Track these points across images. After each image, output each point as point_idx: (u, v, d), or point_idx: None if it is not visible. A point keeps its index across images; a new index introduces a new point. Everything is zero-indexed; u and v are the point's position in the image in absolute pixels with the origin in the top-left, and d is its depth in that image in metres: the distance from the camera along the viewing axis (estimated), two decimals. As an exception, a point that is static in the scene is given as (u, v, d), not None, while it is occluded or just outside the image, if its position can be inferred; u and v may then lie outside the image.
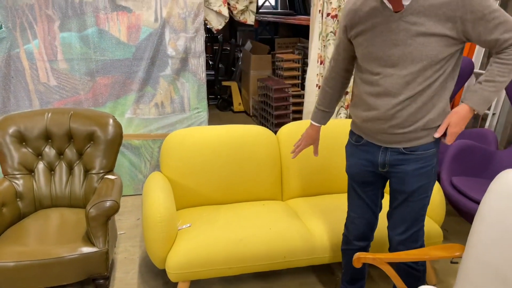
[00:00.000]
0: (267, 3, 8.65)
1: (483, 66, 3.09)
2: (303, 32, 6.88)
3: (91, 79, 3.05)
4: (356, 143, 1.70)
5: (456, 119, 1.47)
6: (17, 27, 2.89)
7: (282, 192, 2.47)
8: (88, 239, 1.97)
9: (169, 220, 1.91)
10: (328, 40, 3.90)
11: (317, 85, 3.99)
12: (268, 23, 7.89)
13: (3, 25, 2.86)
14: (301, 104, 4.42)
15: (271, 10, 8.13)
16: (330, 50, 3.91)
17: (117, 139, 2.33)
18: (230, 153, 2.33)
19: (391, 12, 1.43)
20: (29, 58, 2.95)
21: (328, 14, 3.81)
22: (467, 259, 1.32)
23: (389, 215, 1.75)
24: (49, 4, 2.89)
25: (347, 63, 1.70)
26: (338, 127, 2.54)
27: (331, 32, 3.87)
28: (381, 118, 1.53)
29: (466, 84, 3.07)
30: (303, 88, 4.64)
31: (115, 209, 1.96)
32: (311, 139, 1.90)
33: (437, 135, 1.52)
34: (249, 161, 2.35)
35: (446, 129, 1.50)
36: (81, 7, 2.93)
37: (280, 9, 8.59)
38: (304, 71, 4.95)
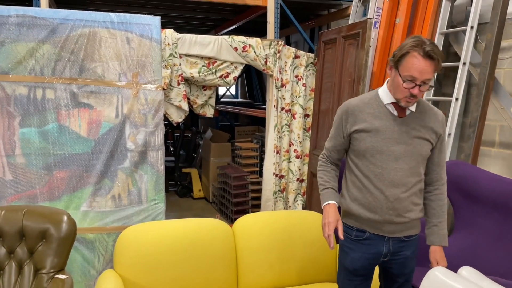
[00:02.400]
0: (228, 93, 9.12)
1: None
2: (262, 120, 7.25)
3: (47, 173, 3.07)
4: (358, 238, 1.84)
5: (440, 256, 1.79)
6: (-24, 122, 2.93)
7: (237, 286, 2.47)
8: None
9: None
10: (283, 131, 4.16)
11: (274, 173, 4.16)
12: (228, 111, 8.27)
13: (-39, 121, 2.90)
14: (259, 191, 4.54)
15: (231, 100, 8.56)
16: (285, 141, 4.15)
17: (71, 237, 2.31)
18: (186, 248, 2.36)
19: (396, 117, 1.77)
20: (-15, 152, 2.96)
21: (282, 108, 4.11)
22: None
23: None
24: (10, 101, 2.98)
25: (341, 154, 1.92)
26: (292, 219, 2.64)
27: (285, 124, 4.14)
28: (388, 208, 1.74)
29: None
30: (261, 175, 4.79)
31: (63, 313, 1.91)
32: (337, 216, 1.86)
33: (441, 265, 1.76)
34: (204, 256, 2.38)
35: None
36: (43, 104, 3.04)
37: (240, 98, 9.08)
38: (262, 159, 5.16)
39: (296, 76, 4.09)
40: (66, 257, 2.32)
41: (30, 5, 3.44)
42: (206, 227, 2.46)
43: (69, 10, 3.06)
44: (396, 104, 1.76)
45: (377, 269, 1.98)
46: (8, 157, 3.00)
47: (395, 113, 1.77)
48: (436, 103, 3.35)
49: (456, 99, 3.02)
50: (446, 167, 2.69)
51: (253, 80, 8.15)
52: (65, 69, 3.07)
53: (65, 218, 2.33)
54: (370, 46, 3.56)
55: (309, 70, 4.12)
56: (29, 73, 3.01)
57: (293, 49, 3.97)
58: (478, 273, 1.42)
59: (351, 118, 1.80)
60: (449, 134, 3.03)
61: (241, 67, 3.95)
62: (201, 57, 3.79)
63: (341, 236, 1.82)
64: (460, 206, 2.61)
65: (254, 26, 5.45)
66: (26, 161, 3.03)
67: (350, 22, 3.98)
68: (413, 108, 1.78)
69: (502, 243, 2.35)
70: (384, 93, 1.79)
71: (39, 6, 3.46)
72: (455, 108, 3.03)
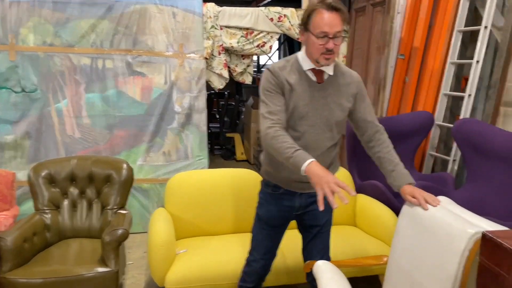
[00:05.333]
0: (269, 61, 9.39)
1: (446, 119, 3.56)
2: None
3: (109, 132, 3.60)
4: (274, 192, 1.94)
5: (412, 190, 1.75)
6: (50, 89, 3.49)
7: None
8: (103, 262, 2.40)
9: (168, 245, 2.35)
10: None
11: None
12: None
13: (38, 88, 3.46)
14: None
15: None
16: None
17: (129, 180, 2.82)
18: (223, 191, 2.79)
19: (315, 83, 1.79)
20: (58, 115, 3.52)
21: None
22: (390, 262, 1.73)
23: (306, 249, 2.06)
24: (77, 70, 3.51)
25: (285, 117, 1.80)
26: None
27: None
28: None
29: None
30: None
31: (125, 236, 2.41)
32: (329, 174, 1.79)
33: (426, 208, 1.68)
34: (238, 198, 2.80)
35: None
36: (103, 73, 3.54)
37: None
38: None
39: (329, 44, 4.33)
40: (126, 197, 2.83)
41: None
42: (241, 175, 2.87)
43: (123, -10, 3.50)
44: (315, 70, 1.78)
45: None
46: (76, 118, 3.55)
47: (314, 78, 1.79)
48: (460, 66, 3.51)
49: (477, 61, 3.17)
50: (459, 124, 2.94)
51: (295, 50, 8.37)
52: (121, 42, 3.54)
53: (125, 165, 2.83)
54: (398, 13, 3.74)
55: (341, 37, 4.34)
56: (91, 45, 3.51)
57: (325, 18, 4.20)
58: (451, 201, 1.70)
59: (282, 76, 1.77)
60: (469, 95, 3.21)
61: (277, 36, 4.26)
62: (240, 28, 4.13)
63: (352, 193, 1.64)
64: (471, 160, 2.83)
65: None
66: (91, 122, 3.57)
67: (381, -11, 4.13)
68: (330, 71, 1.79)
69: (507, 192, 2.58)
70: (303, 60, 1.79)
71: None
72: (476, 70, 3.18)
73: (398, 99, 3.81)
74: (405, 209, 1.73)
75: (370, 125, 1.92)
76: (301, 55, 1.82)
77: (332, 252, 2.47)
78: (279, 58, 9.75)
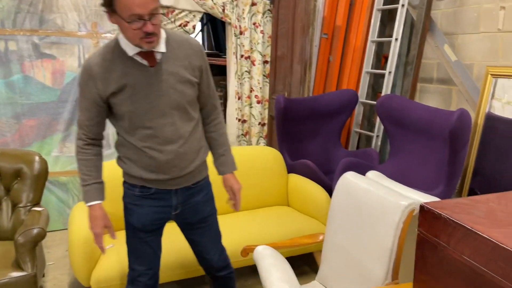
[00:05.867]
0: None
1: (369, 96, 3.67)
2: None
3: (17, 122, 3.23)
4: (143, 194, 1.66)
5: (234, 181, 1.80)
6: None
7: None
8: (17, 265, 2.15)
9: (92, 241, 2.15)
10: (244, 78, 4.37)
11: (236, 118, 4.42)
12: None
13: None
14: (224, 136, 4.80)
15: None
16: (246, 87, 4.38)
17: (43, 174, 2.54)
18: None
19: (148, 68, 1.51)
20: (-47, 104, 3.09)
21: (242, 56, 4.29)
22: (326, 239, 1.73)
23: (199, 247, 1.83)
24: (-26, 53, 3.09)
25: (102, 126, 1.64)
26: (253, 153, 2.94)
27: (246, 71, 4.35)
28: (170, 165, 1.58)
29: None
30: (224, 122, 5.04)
31: (41, 235, 2.17)
32: (105, 220, 1.66)
33: (238, 208, 1.82)
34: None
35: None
36: (7, 56, 3.15)
37: (207, 50, 9.12)
38: (225, 106, 5.38)
39: (254, 24, 4.26)
40: (41, 193, 2.55)
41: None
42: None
43: (23, -39, 3.11)
44: (142, 53, 1.50)
45: None
46: (-24, 107, 3.14)
47: (145, 62, 1.51)
48: (380, 44, 3.62)
49: (396, 39, 3.29)
50: (381, 101, 3.03)
51: (219, 31, 8.21)
52: (25, 21, 3.17)
53: (37, 158, 2.55)
54: (321, -8, 3.75)
55: (266, 17, 4.28)
56: (-10, 25, 3.10)
57: (249, -3, 4.12)
58: (381, 175, 1.73)
59: (100, 82, 1.50)
60: (390, 72, 3.32)
61: (200, 15, 4.09)
62: (160, 7, 3.89)
63: (113, 237, 1.68)
64: (394, 134, 2.95)
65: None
66: (-6, 111, 3.18)
67: (303, -32, 4.12)
68: (162, 48, 1.52)
69: (426, 163, 2.72)
70: (125, 44, 1.50)
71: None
72: (395, 48, 3.30)
73: (323, 78, 3.86)
74: (339, 186, 1.73)
75: (210, 101, 1.74)
76: (122, 38, 1.51)
77: (268, 233, 2.45)
78: (203, 40, 9.53)
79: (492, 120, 2.58)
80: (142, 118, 1.53)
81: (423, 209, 1.03)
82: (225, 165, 1.78)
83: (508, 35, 2.78)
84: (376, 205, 1.51)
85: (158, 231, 1.76)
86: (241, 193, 1.82)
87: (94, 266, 2.17)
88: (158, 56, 1.52)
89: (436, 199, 1.45)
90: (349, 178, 1.68)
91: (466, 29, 3.07)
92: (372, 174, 1.71)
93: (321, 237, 1.80)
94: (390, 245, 1.40)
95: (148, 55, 1.51)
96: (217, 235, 1.88)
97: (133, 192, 1.67)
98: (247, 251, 1.77)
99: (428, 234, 1.02)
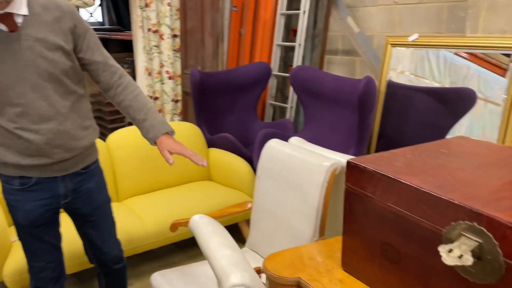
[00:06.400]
0: (92, 19, 8.54)
1: (281, 69, 3.77)
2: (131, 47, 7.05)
3: None
4: (24, 186, 1.47)
5: (172, 143, 1.53)
6: None
7: (117, 191, 2.68)
8: None
9: (2, 234, 1.97)
10: (153, 53, 4.21)
11: (147, 95, 4.26)
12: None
13: None
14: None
15: (98, 27, 8.07)
16: (156, 62, 4.22)
17: None
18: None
19: (8, 33, 1.34)
20: None
21: (149, 30, 4.12)
22: (254, 206, 1.78)
23: (95, 241, 1.68)
24: None
25: None
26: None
27: (154, 45, 4.19)
28: (51, 146, 1.42)
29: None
30: (136, 100, 4.84)
31: None
32: None
33: (203, 162, 1.49)
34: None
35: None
36: None
37: (108, 25, 8.57)
38: (135, 84, 5.16)
39: (160, -4, 4.09)
40: None
41: None
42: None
43: None
44: None
45: None
46: None
47: (4, 27, 1.33)
48: (289, 17, 3.71)
49: (304, 12, 3.40)
50: (294, 72, 3.14)
51: (120, 5, 7.76)
52: None
53: None
54: (228, -37, 3.71)
55: (172, -11, 4.14)
56: None
57: (154, -33, 3.93)
58: (303, 140, 1.82)
59: None
60: (299, 45, 3.44)
61: (101, -14, 3.82)
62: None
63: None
64: (307, 104, 3.08)
65: None
66: None
67: None
68: (23, 10, 1.33)
69: (337, 129, 2.90)
70: None
71: None
72: (303, 21, 3.41)
73: (236, 52, 3.87)
74: (264, 153, 1.77)
75: (102, 66, 1.52)
76: None
77: (194, 207, 2.45)
78: (102, 15, 8.93)
79: (392, 87, 2.81)
80: (9, 93, 1.35)
81: (349, 164, 1.11)
82: (152, 129, 1.52)
83: (403, 7, 3.03)
84: (301, 168, 1.58)
85: (52, 223, 1.58)
86: (187, 150, 1.52)
87: (6, 259, 1.99)
88: (18, 19, 1.33)
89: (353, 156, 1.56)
90: (273, 145, 1.74)
91: (367, 2, 3.27)
92: (294, 140, 1.78)
93: (249, 205, 1.84)
94: (316, 204, 1.49)
95: (5, 18, 1.31)
96: (113, 225, 1.74)
97: (12, 185, 1.47)
98: (177, 225, 1.75)
99: (355, 187, 1.10)
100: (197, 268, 1.70)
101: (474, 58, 2.36)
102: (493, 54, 2.28)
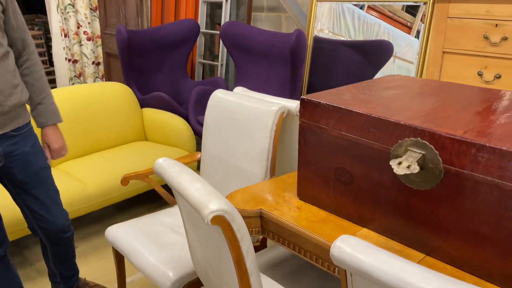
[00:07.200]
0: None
1: (208, 26, 3.74)
2: (40, 7, 6.47)
3: None
4: None
5: (55, 136, 1.56)
6: None
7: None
8: None
9: None
10: (68, 12, 3.93)
11: (66, 58, 4.00)
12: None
13: None
14: (53, 81, 4.34)
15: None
16: (72, 23, 3.96)
17: None
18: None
19: None
20: None
21: (61, -13, 3.82)
22: (203, 156, 1.83)
23: (34, 210, 1.57)
24: None
25: None
26: (93, 91, 2.75)
27: (69, 4, 3.91)
28: None
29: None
30: (52, 64, 4.53)
31: None
32: None
33: (49, 160, 1.58)
34: None
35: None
36: None
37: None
38: (49, 46, 4.79)
39: (72, -51, 3.80)
40: None
41: None
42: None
43: None
44: None
45: None
46: None
47: None
48: (213, -27, 3.66)
49: (229, -32, 3.38)
50: (224, 28, 3.15)
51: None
52: None
53: None
54: None
55: None
56: None
57: None
58: (247, 89, 1.88)
59: None
60: (227, 1, 3.43)
61: None
62: None
63: None
64: (239, 60, 3.13)
65: None
66: None
67: None
68: None
69: (270, 83, 3.00)
70: None
71: None
72: (229, -23, 3.39)
73: (160, 9, 3.76)
74: (210, 104, 1.81)
75: (20, 35, 1.48)
76: None
77: (137, 166, 2.43)
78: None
79: (318, 42, 2.95)
80: None
81: (303, 101, 1.20)
82: (44, 115, 1.52)
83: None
84: (249, 114, 1.65)
85: None
86: (61, 154, 1.61)
87: None
88: None
89: (297, 102, 1.67)
90: (219, 95, 1.78)
91: (291, -42, 3.34)
92: (239, 89, 1.84)
93: (199, 155, 1.89)
94: (267, 147, 1.58)
95: None
96: (57, 193, 1.64)
97: None
98: (128, 179, 1.75)
99: (310, 122, 1.20)
100: (151, 218, 1.73)
101: (384, 16, 2.57)
102: (399, 13, 2.50)
